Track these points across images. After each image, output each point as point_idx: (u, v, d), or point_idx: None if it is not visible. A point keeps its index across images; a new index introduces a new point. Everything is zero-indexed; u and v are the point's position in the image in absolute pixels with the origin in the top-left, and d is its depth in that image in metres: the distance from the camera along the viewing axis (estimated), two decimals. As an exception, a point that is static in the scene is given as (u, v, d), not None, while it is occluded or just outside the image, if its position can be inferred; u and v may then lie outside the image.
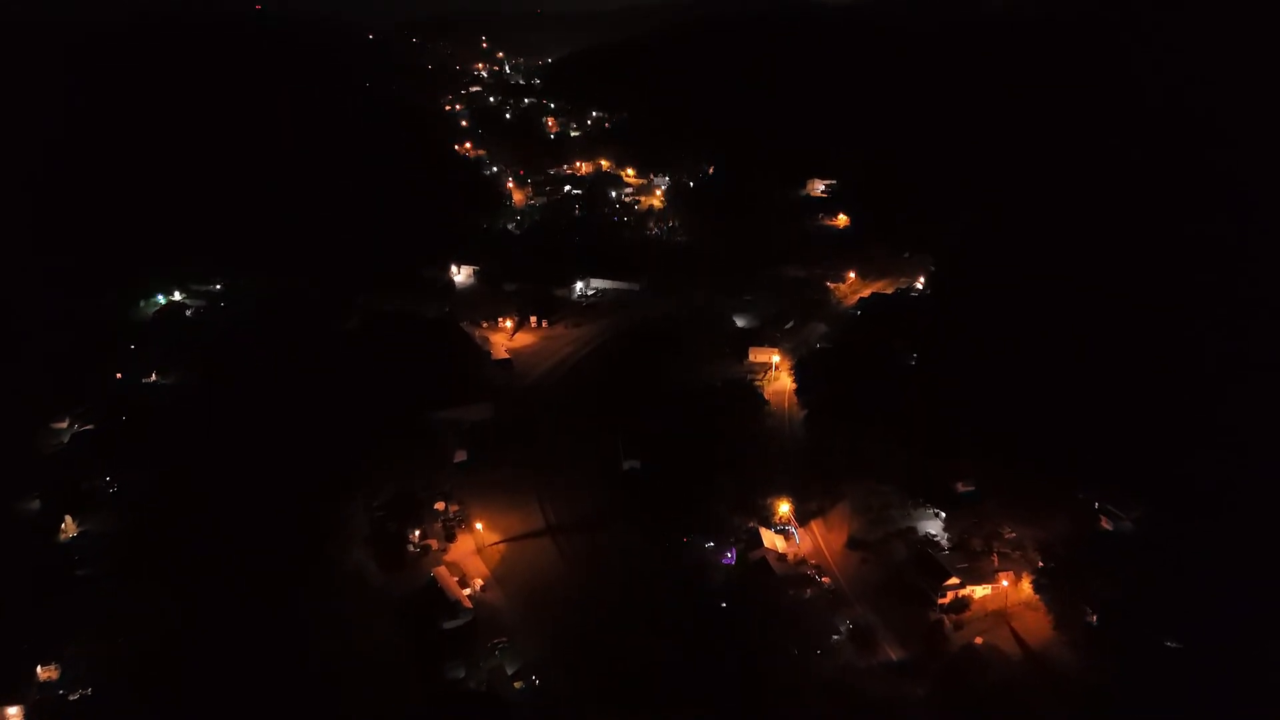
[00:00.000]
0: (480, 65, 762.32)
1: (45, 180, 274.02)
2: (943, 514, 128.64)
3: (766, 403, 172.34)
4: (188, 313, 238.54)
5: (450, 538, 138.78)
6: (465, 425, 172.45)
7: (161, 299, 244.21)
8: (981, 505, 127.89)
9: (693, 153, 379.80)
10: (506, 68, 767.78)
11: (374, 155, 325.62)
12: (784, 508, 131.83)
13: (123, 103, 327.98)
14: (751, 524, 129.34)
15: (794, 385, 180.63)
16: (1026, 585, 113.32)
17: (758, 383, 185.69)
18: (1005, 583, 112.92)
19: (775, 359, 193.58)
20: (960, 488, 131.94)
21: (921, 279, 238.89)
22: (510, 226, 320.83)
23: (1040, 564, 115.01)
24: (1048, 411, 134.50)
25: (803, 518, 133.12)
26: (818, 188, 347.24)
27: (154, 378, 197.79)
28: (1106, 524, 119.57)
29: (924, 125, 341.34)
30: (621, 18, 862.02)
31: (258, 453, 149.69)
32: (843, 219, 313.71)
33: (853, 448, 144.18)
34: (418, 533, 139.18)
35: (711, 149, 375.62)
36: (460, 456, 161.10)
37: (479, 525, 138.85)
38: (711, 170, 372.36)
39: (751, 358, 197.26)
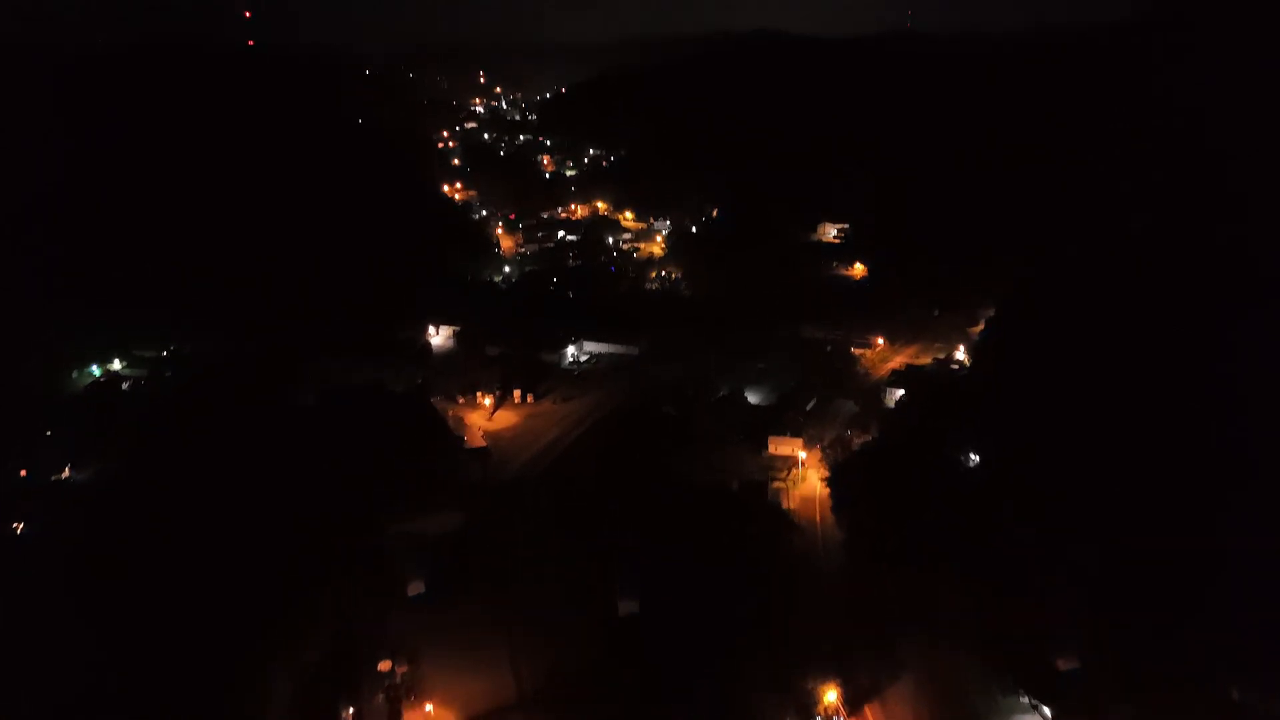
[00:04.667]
0: (477, 100, 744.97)
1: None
2: (1046, 709, 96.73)
3: (794, 521, 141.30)
4: (124, 385, 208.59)
5: (395, 716, 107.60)
6: (426, 541, 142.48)
7: (97, 370, 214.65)
8: (1095, 694, 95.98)
9: (696, 192, 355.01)
10: (503, 103, 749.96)
11: (353, 199, 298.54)
12: (830, 695, 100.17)
13: (70, 134, 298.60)
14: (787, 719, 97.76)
15: (825, 489, 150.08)
16: None
17: (781, 484, 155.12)
18: None
19: (801, 454, 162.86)
20: (1061, 665, 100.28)
21: (961, 348, 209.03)
22: (497, 279, 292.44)
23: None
24: (1170, 552, 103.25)
25: (853, 700, 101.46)
26: (829, 232, 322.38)
27: (67, 474, 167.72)
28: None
29: (936, 162, 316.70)
30: (621, 50, 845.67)
31: (165, 593, 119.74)
32: (859, 268, 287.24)
33: (909, 593, 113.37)
34: (351, 710, 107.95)
35: (715, 188, 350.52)
36: (417, 589, 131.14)
37: (429, 706, 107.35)
38: (716, 213, 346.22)
39: (771, 449, 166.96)
